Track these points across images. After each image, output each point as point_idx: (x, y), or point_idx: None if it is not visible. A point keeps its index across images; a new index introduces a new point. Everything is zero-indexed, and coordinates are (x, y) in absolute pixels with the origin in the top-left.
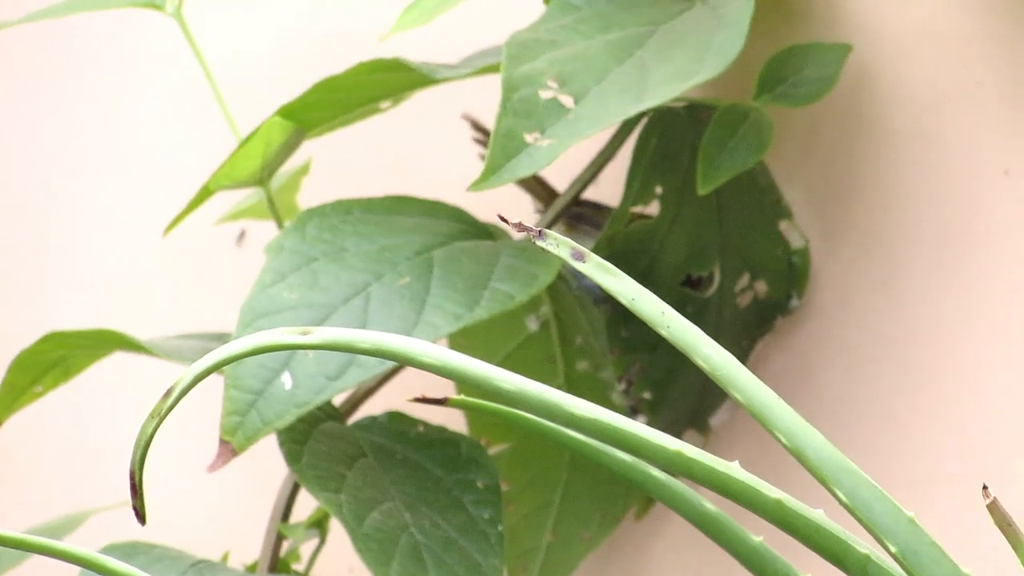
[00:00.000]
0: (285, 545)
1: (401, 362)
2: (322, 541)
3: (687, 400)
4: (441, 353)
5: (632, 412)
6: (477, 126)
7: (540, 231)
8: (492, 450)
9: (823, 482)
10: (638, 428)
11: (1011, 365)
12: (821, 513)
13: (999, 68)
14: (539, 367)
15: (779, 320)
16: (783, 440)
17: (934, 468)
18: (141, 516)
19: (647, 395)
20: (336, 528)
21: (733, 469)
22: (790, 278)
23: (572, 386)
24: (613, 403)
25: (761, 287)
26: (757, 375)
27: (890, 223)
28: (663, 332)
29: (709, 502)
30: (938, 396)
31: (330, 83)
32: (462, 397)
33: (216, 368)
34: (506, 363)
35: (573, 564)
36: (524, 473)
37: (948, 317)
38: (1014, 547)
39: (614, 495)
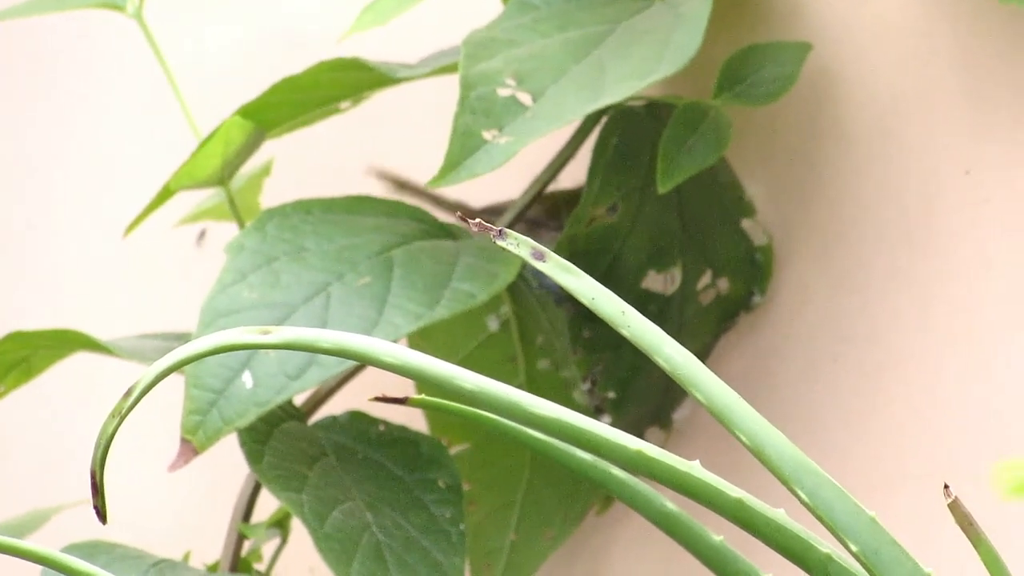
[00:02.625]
0: (246, 545)
1: (362, 362)
2: (283, 541)
3: (650, 397)
4: (402, 353)
5: (596, 411)
6: (385, 175)
7: (500, 230)
8: (453, 450)
9: (784, 482)
10: (599, 427)
11: (971, 365)
12: (782, 512)
13: (960, 68)
14: (499, 366)
15: (741, 317)
16: (744, 440)
17: (895, 468)
18: (102, 515)
19: (611, 394)
20: (298, 528)
21: (694, 468)
22: (752, 275)
23: (533, 385)
24: (575, 402)
25: (723, 284)
26: (718, 372)
27: (852, 222)
28: (624, 332)
29: (670, 501)
30: (899, 396)
31: (289, 83)
32: (423, 397)
33: (177, 367)
34: (466, 363)
35: (537, 563)
36: (485, 472)
37: (908, 317)
38: (975, 546)
39: (576, 493)
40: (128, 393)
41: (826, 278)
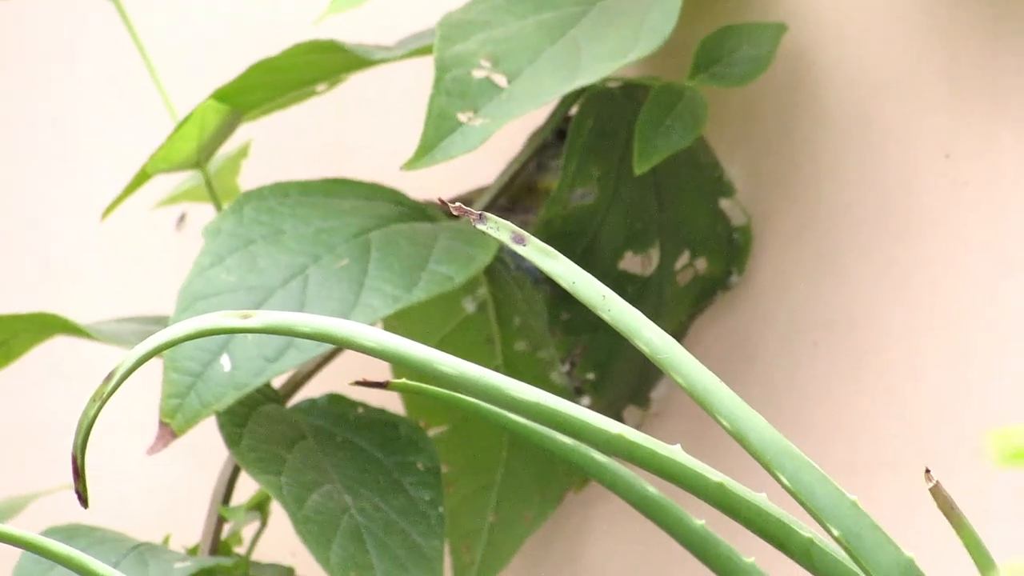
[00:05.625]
0: (226, 527)
1: (342, 346)
2: (263, 524)
3: (629, 377)
4: (382, 337)
5: (576, 393)
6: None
7: (480, 214)
8: (431, 432)
9: (765, 466)
10: (579, 411)
11: (952, 349)
12: (764, 497)
13: (939, 51)
14: (477, 348)
15: (719, 296)
16: (725, 424)
17: (877, 452)
18: (83, 499)
19: (590, 376)
20: (277, 510)
21: (675, 452)
22: (730, 255)
23: (511, 367)
24: (554, 383)
25: (701, 264)
26: (697, 350)
27: (831, 206)
28: (604, 316)
29: (651, 485)
30: (879, 380)
31: (265, 65)
32: (403, 381)
33: (158, 351)
34: (443, 345)
35: (517, 544)
36: (463, 454)
37: (888, 300)
38: (956, 530)
39: (554, 473)
40: (109, 377)
41: (805, 258)
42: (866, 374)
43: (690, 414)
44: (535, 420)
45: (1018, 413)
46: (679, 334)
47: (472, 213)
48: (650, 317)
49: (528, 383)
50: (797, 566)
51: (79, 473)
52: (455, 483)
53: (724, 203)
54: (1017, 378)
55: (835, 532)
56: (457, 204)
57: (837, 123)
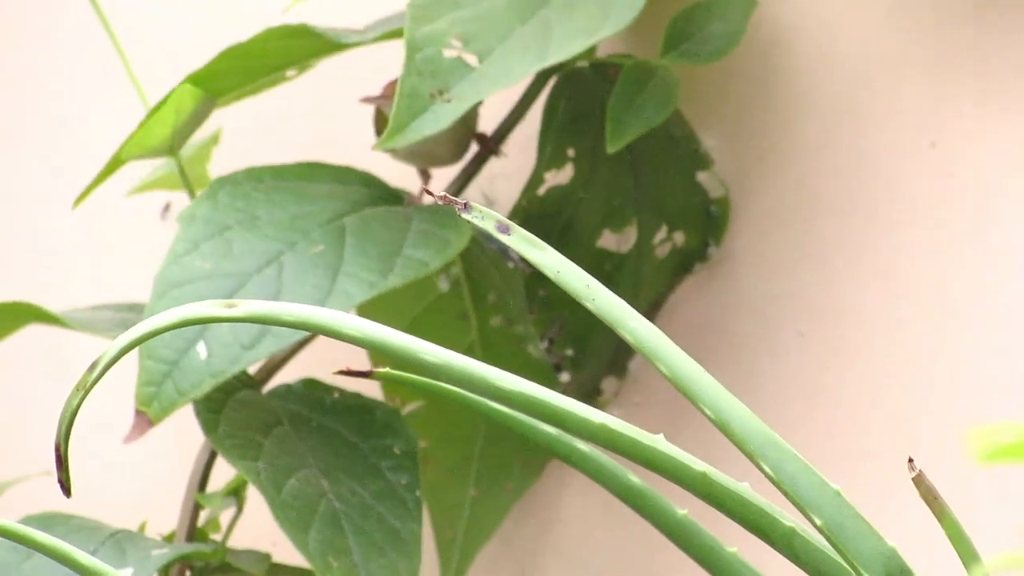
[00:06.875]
0: (203, 514)
1: (326, 335)
2: (240, 510)
3: (607, 349)
4: (366, 326)
5: (556, 369)
6: None
7: (466, 204)
8: (407, 408)
9: (749, 455)
10: (563, 401)
11: (936, 339)
12: (747, 486)
13: (926, 40)
14: (451, 324)
15: (698, 268)
16: (709, 413)
17: (860, 442)
18: (67, 489)
19: (569, 351)
20: (254, 497)
21: (658, 442)
22: (708, 227)
23: (486, 341)
24: (531, 356)
25: (679, 238)
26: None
27: (816, 196)
28: (588, 305)
29: (634, 475)
30: (864, 370)
31: (237, 50)
32: (387, 370)
33: (142, 341)
34: (417, 322)
35: (500, 517)
36: (441, 429)
37: (873, 290)
38: (939, 519)
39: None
40: (92, 367)
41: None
42: (851, 364)
43: (673, 403)
44: (519, 410)
45: (1002, 404)
46: (658, 305)
47: (457, 202)
48: (628, 292)
49: (505, 357)
50: (780, 556)
51: (62, 462)
52: (434, 457)
53: (701, 176)
54: (1001, 369)
55: (818, 522)
56: (443, 194)
57: (823, 114)
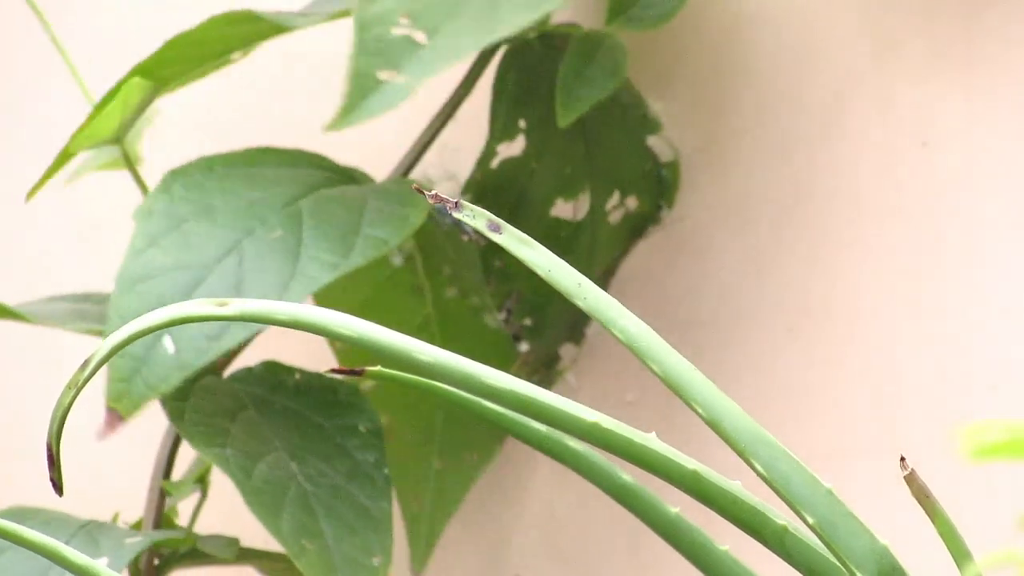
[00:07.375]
0: (170, 500)
1: (318, 334)
2: (203, 495)
3: (565, 317)
4: (356, 324)
5: (515, 340)
6: None
7: (457, 202)
8: (366, 384)
9: (740, 454)
10: (554, 399)
11: (927, 337)
12: (738, 484)
13: (917, 37)
14: (406, 298)
15: (651, 231)
16: (700, 412)
17: (852, 440)
18: (58, 487)
19: (527, 321)
20: (215, 483)
21: (650, 440)
22: (660, 191)
23: (442, 313)
24: (488, 327)
25: (632, 203)
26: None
27: (807, 193)
28: (580, 303)
29: (626, 473)
30: (855, 367)
31: (183, 38)
32: (379, 369)
33: (133, 340)
34: (373, 299)
35: (465, 488)
36: (402, 402)
37: (864, 288)
38: (931, 518)
39: None
40: (84, 365)
41: (780, 245)
42: (842, 361)
43: (664, 402)
44: (510, 408)
45: (993, 400)
46: (612, 270)
47: (448, 201)
48: (584, 258)
49: (462, 329)
50: (772, 554)
51: (54, 461)
52: (396, 432)
53: (651, 140)
54: (992, 366)
55: (810, 520)
56: (434, 193)
57: (811, 112)
